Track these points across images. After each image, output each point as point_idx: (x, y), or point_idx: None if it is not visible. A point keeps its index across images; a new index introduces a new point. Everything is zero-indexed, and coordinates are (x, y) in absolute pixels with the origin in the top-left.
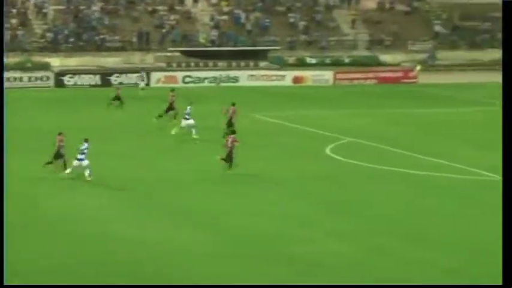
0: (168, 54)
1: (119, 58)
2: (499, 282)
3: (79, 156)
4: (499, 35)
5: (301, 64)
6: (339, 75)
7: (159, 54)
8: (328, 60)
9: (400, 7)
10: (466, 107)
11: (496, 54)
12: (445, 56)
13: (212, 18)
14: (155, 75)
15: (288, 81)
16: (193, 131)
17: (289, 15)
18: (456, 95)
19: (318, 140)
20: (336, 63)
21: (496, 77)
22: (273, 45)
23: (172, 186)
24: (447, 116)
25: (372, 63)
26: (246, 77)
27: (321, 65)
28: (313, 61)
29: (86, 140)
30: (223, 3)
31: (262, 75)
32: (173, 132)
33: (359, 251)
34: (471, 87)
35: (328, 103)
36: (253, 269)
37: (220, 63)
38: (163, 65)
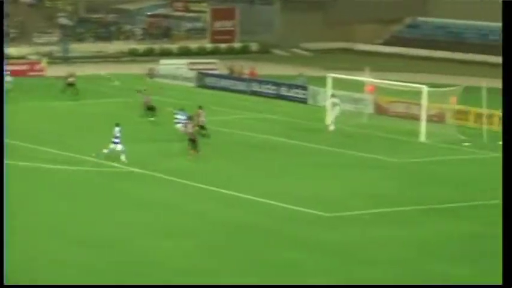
0: None
1: None
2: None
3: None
4: (124, 27)
5: None
6: None
7: None
8: None
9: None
10: (95, 99)
11: (122, 45)
12: (72, 48)
13: None
14: None
15: None
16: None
17: None
18: (86, 87)
19: None
20: None
21: (124, 69)
22: None
23: None
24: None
25: None
26: None
27: None
28: None
29: (117, 125)
30: None
31: None
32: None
33: None
34: (94, 78)
35: None
36: None
37: None
38: None
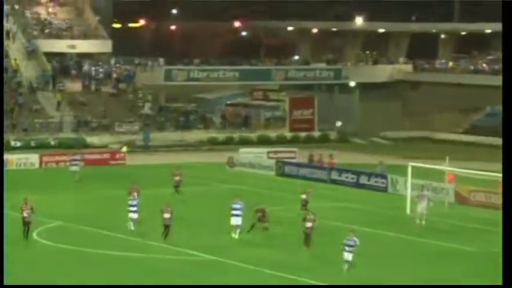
0: None
1: None
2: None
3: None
4: (204, 116)
5: (6, 148)
6: (46, 158)
7: None
8: (33, 143)
9: (106, 89)
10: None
11: (201, 134)
12: (153, 136)
13: None
14: None
15: None
16: None
17: None
18: (164, 176)
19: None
20: (41, 146)
21: (204, 157)
22: None
23: None
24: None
25: (78, 145)
26: None
27: (25, 148)
28: (18, 144)
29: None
30: None
31: None
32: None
33: None
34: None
35: (35, 187)
36: None
37: None
38: None
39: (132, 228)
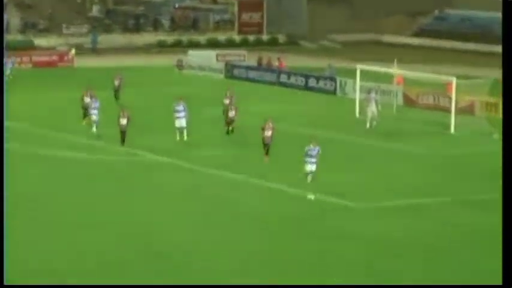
0: None
1: None
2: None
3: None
4: (152, 19)
5: None
6: None
7: None
8: None
9: None
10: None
11: (150, 37)
12: (101, 39)
13: None
14: None
15: None
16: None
17: None
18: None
19: None
20: None
21: (153, 60)
22: None
23: None
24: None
25: (26, 47)
26: None
27: None
28: None
29: None
30: None
31: None
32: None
33: None
34: (131, 69)
35: None
36: None
37: None
38: None
39: (94, 130)
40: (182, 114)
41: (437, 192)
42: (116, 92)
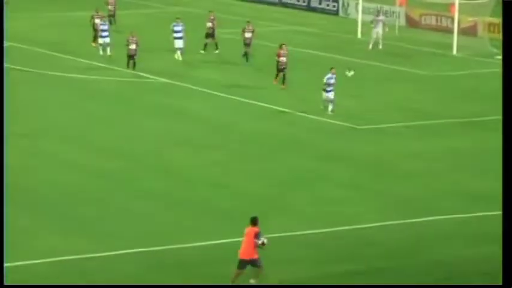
0: None
1: None
2: None
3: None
4: None
5: None
6: None
7: None
8: None
9: None
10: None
11: None
12: None
13: None
14: None
15: None
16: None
17: None
18: None
19: None
20: None
21: None
22: None
23: None
24: None
25: None
26: None
27: None
28: None
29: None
30: None
31: None
32: None
33: None
34: None
35: None
36: None
37: None
38: None
39: (101, 53)
40: (180, 34)
41: (437, 114)
42: (111, 16)
